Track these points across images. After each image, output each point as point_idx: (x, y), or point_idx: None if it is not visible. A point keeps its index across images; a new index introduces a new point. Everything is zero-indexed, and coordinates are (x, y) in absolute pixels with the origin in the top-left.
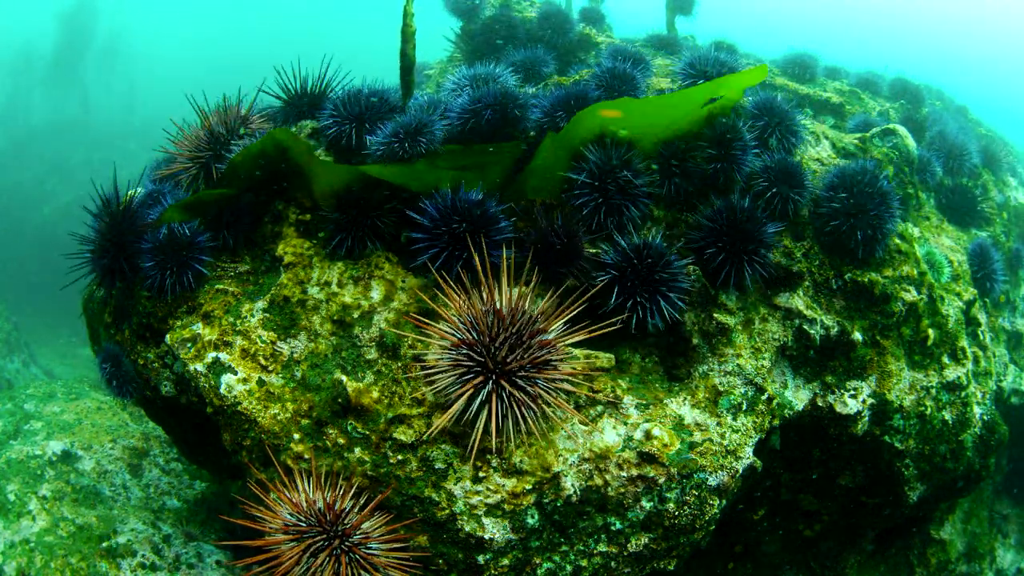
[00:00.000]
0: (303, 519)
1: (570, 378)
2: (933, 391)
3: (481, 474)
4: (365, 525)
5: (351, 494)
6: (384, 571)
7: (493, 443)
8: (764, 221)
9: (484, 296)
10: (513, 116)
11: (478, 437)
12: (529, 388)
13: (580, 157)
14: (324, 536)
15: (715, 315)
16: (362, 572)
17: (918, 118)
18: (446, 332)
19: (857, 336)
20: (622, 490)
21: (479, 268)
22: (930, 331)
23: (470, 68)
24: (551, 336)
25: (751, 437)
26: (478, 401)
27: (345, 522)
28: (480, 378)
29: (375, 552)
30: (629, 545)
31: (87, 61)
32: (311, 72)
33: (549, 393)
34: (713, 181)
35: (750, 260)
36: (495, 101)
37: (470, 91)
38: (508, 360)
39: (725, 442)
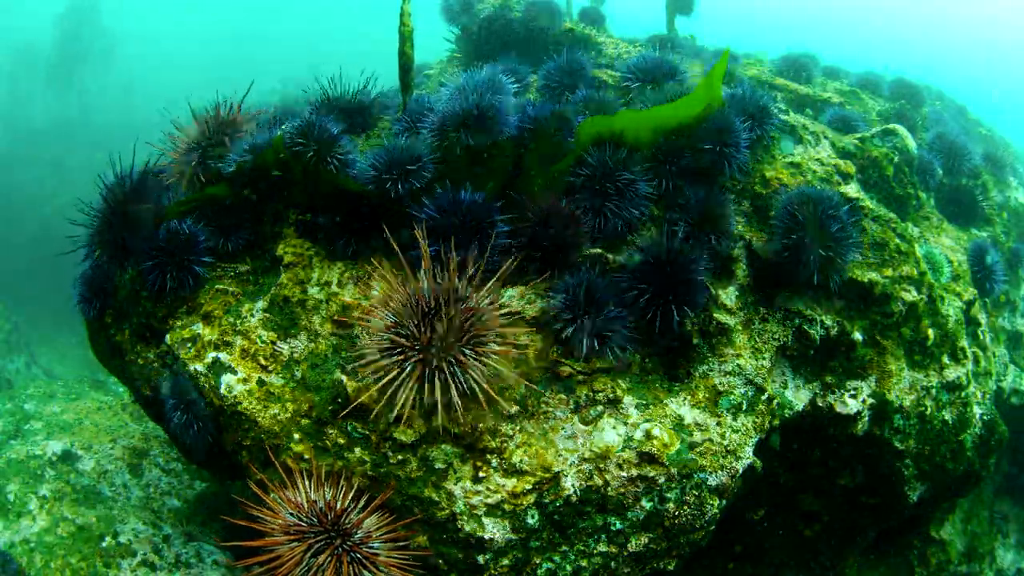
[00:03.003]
0: (304, 519)
1: (499, 343)
2: (933, 391)
3: (481, 474)
4: (366, 524)
5: (352, 494)
6: (385, 570)
7: (394, 412)
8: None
9: (414, 281)
10: (492, 124)
11: (393, 414)
12: (454, 361)
13: (580, 162)
14: (325, 535)
15: (715, 315)
16: (363, 572)
17: (912, 116)
18: (380, 316)
19: (857, 336)
20: (622, 490)
21: (425, 253)
22: (930, 331)
23: (466, 72)
24: (477, 303)
25: (751, 437)
26: (401, 377)
27: (346, 522)
28: (402, 355)
29: (376, 551)
30: (629, 545)
31: (87, 61)
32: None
33: (477, 362)
34: (707, 175)
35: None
36: (467, 118)
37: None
38: (432, 337)
39: (725, 442)
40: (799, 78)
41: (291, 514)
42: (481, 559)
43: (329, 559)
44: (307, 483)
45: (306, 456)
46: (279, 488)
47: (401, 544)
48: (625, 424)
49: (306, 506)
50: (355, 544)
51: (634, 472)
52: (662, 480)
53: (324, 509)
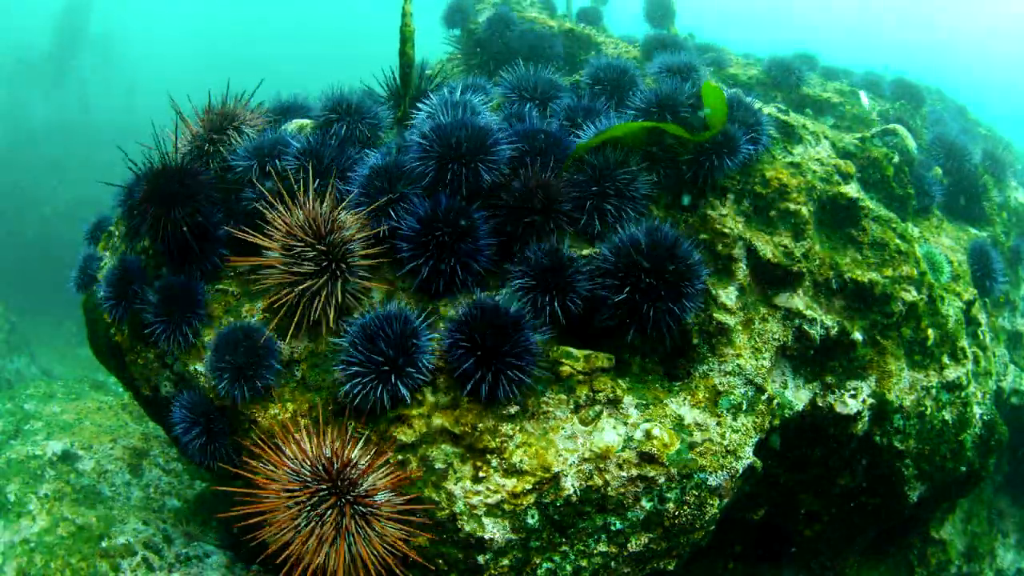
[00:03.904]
0: (307, 466)
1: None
2: (933, 391)
3: (481, 474)
4: (371, 477)
5: (357, 448)
6: (392, 525)
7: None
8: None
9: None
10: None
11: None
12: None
13: (579, 160)
14: (330, 484)
15: (715, 315)
16: (368, 529)
17: (912, 116)
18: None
19: (857, 336)
20: (622, 490)
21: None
22: (930, 331)
23: (466, 79)
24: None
25: (751, 437)
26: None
27: (352, 472)
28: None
29: (379, 508)
30: (629, 545)
31: (87, 61)
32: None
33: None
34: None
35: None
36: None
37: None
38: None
39: (725, 442)
40: (789, 80)
41: (292, 462)
42: (481, 559)
43: (331, 511)
44: (311, 440)
45: None
46: (286, 439)
47: (406, 498)
48: (625, 424)
49: (312, 452)
50: (360, 496)
51: (634, 472)
52: (662, 480)
53: (331, 456)
